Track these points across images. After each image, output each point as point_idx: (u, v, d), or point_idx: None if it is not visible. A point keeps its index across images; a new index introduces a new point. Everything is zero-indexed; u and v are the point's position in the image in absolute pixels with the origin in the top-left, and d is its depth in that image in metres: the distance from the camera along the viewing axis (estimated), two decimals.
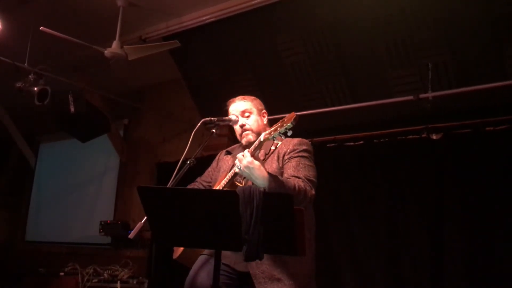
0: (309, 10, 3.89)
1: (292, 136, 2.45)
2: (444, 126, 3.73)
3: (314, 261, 2.33)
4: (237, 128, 2.50)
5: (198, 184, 2.68)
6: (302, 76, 4.16)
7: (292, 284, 2.13)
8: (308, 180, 2.22)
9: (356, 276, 3.85)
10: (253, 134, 2.44)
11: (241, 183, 2.32)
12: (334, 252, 3.97)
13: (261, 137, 2.07)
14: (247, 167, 2.04)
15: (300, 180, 2.19)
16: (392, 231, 3.79)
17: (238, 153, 2.12)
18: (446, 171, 3.67)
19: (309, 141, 2.46)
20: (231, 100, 2.57)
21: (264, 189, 1.81)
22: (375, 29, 3.68)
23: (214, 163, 2.70)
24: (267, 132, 2.04)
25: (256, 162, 2.05)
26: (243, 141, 2.48)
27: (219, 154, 2.72)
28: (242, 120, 2.48)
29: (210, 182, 2.63)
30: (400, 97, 3.76)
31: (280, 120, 2.00)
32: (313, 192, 2.22)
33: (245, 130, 2.47)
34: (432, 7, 3.45)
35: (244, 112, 2.50)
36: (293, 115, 1.94)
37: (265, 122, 2.55)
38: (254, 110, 2.51)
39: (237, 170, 2.14)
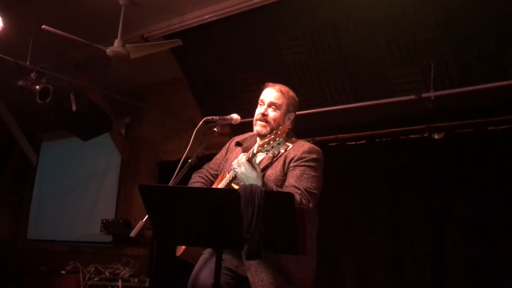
0: (311, 9, 3.88)
1: (294, 136, 2.40)
2: (446, 126, 3.73)
3: (315, 269, 2.27)
4: (257, 113, 2.37)
5: (205, 171, 2.59)
6: (303, 75, 4.16)
7: None
8: (308, 192, 2.15)
9: (358, 276, 3.84)
10: (268, 129, 2.31)
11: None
12: (336, 252, 3.96)
13: (254, 149, 2.07)
14: (243, 173, 2.07)
15: (298, 192, 2.13)
16: (393, 230, 3.78)
17: (250, 144, 2.10)
18: (448, 170, 3.67)
19: (317, 146, 2.34)
20: (270, 83, 2.44)
21: (266, 188, 1.80)
22: (377, 28, 3.67)
23: (223, 151, 2.60)
24: (261, 144, 2.04)
25: (249, 171, 2.06)
26: (255, 129, 2.37)
27: (230, 142, 2.61)
28: (265, 109, 2.35)
29: (217, 171, 2.54)
30: (402, 97, 3.75)
31: (274, 132, 2.02)
32: (311, 205, 2.14)
33: (264, 120, 2.34)
34: (434, 7, 3.44)
35: (272, 103, 2.36)
36: (285, 129, 1.99)
37: (287, 124, 2.36)
38: (283, 109, 2.38)
39: (234, 172, 2.15)
